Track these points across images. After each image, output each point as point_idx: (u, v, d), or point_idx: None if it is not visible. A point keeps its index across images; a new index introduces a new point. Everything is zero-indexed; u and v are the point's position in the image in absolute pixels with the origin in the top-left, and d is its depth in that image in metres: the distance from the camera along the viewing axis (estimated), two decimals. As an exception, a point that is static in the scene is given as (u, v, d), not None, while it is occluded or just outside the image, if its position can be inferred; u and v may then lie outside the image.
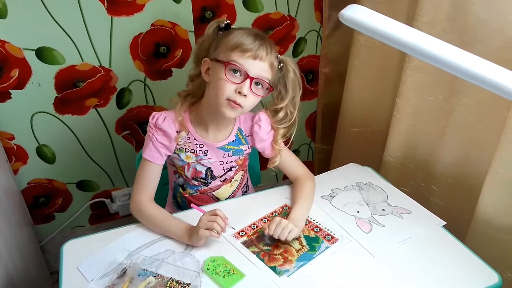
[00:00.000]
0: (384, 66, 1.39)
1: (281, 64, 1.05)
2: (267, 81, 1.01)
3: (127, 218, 1.70)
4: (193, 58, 1.10)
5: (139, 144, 1.59)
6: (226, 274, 0.91)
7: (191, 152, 1.10)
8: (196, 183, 1.15)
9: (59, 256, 0.96)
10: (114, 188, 1.64)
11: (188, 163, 1.12)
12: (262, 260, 0.96)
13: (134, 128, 1.55)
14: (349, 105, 1.51)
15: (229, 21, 1.04)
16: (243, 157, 1.16)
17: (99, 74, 1.40)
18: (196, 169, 1.12)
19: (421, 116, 1.25)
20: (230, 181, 1.18)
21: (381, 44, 1.36)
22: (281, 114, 1.10)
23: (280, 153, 1.14)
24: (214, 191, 1.17)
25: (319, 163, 1.93)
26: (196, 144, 1.09)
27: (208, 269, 0.92)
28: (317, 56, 1.70)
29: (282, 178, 1.96)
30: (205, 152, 1.10)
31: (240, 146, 1.13)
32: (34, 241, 1.55)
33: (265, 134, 1.13)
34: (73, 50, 1.33)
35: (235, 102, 0.97)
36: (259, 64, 0.97)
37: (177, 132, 1.07)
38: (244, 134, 1.13)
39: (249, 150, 1.16)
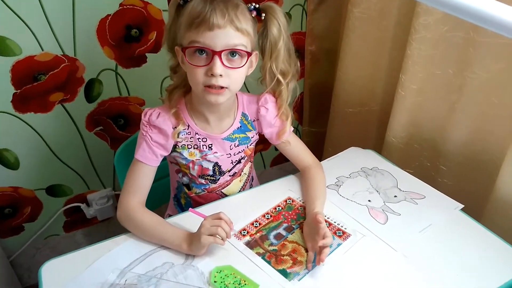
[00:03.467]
0: (381, 39, 1.30)
1: (263, 15, 0.87)
2: (242, 48, 0.83)
3: (106, 222, 1.58)
4: (165, 47, 0.93)
5: (114, 141, 1.44)
6: (236, 285, 0.80)
7: (194, 148, 0.97)
8: (203, 181, 1.03)
9: (38, 280, 0.82)
10: (89, 191, 1.51)
11: (193, 160, 0.99)
12: (269, 262, 0.86)
13: (107, 123, 1.40)
14: (344, 84, 1.42)
15: None
16: (251, 145, 1.04)
17: (63, 65, 1.24)
18: (202, 166, 1.00)
19: (428, 92, 1.17)
20: (240, 174, 1.06)
21: (377, 15, 1.27)
22: (267, 76, 0.93)
23: (289, 125, 1.02)
24: (223, 188, 1.05)
25: (307, 147, 1.84)
26: (198, 138, 0.97)
27: (215, 281, 0.81)
28: (303, 33, 1.59)
29: (270, 165, 1.86)
30: (210, 146, 0.98)
31: (246, 133, 1.01)
32: (3, 256, 1.41)
33: (273, 118, 1.00)
34: (30, 38, 1.16)
35: (214, 87, 0.83)
36: (220, 34, 0.79)
37: (174, 127, 0.94)
38: (249, 119, 1.01)
39: (256, 137, 1.04)
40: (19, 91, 1.22)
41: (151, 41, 1.32)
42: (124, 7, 1.24)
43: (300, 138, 1.86)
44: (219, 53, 0.81)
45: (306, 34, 1.58)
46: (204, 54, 0.82)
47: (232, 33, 0.81)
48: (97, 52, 1.27)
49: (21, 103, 1.24)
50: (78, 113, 1.34)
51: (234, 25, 0.81)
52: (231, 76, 0.84)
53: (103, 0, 1.20)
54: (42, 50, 1.20)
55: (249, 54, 0.85)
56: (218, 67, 0.81)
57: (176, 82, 0.96)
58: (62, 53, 1.23)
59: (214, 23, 0.79)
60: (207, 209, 0.96)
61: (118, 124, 1.43)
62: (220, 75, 0.82)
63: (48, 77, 1.24)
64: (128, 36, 1.29)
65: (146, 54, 1.34)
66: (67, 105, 1.31)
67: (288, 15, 1.53)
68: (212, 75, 0.82)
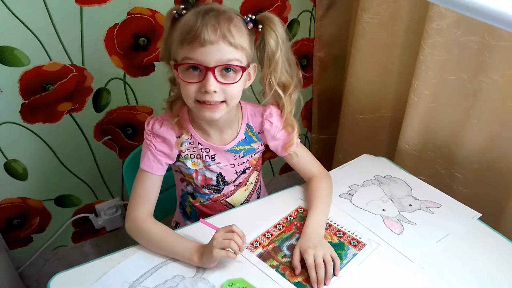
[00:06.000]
0: (392, 45, 1.27)
1: (260, 27, 0.84)
2: (236, 63, 0.81)
3: (114, 232, 1.56)
4: (162, 60, 0.91)
5: (122, 150, 1.43)
6: (249, 299, 0.78)
7: (197, 158, 0.96)
8: (207, 191, 1.01)
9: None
10: (98, 201, 1.49)
11: (196, 170, 0.97)
12: (283, 275, 0.83)
13: (116, 132, 1.39)
14: (354, 91, 1.39)
15: (182, 6, 0.82)
16: (256, 155, 1.02)
17: (71, 74, 1.23)
18: (206, 176, 0.98)
19: (442, 98, 1.14)
20: (245, 184, 1.04)
21: (388, 21, 1.25)
22: (267, 89, 0.91)
23: (296, 136, 0.99)
24: (227, 197, 1.03)
25: (316, 154, 1.80)
26: (201, 149, 0.95)
27: (227, 295, 0.78)
28: (311, 39, 1.57)
29: (279, 173, 1.84)
30: (213, 156, 0.96)
31: (251, 144, 0.99)
32: (11, 267, 1.39)
33: (277, 131, 0.98)
34: (38, 48, 1.15)
35: (209, 103, 0.82)
36: (212, 49, 0.77)
37: (177, 137, 0.92)
38: (254, 130, 0.99)
39: (262, 148, 1.02)
40: (27, 101, 1.21)
41: (159, 49, 1.31)
42: (132, 16, 1.23)
43: (309, 145, 1.85)
44: (212, 69, 0.79)
45: (315, 40, 1.57)
46: (198, 71, 0.81)
47: (225, 48, 0.79)
48: (105, 61, 1.26)
49: (30, 113, 1.23)
50: (86, 122, 1.33)
51: (227, 40, 0.78)
52: (227, 91, 0.82)
53: (111, 9, 1.19)
54: (50, 60, 1.19)
55: (243, 69, 0.83)
56: (212, 84, 0.79)
57: (177, 94, 0.94)
58: (70, 63, 1.22)
59: (206, 39, 0.77)
60: (218, 220, 0.94)
61: (127, 133, 1.41)
62: (214, 91, 0.80)
63: (56, 87, 1.23)
64: (136, 45, 1.28)
65: (154, 63, 1.33)
66: (76, 115, 1.30)
67: (296, 21, 1.51)
68: (206, 92, 0.80)
